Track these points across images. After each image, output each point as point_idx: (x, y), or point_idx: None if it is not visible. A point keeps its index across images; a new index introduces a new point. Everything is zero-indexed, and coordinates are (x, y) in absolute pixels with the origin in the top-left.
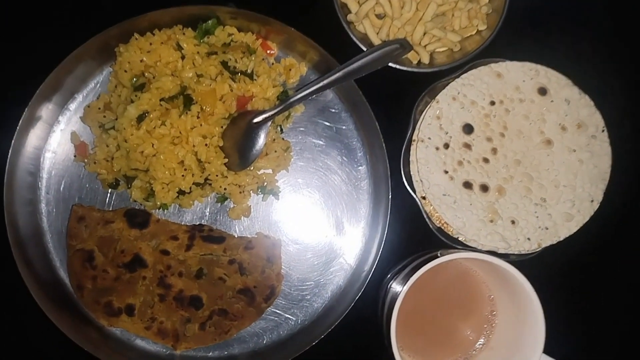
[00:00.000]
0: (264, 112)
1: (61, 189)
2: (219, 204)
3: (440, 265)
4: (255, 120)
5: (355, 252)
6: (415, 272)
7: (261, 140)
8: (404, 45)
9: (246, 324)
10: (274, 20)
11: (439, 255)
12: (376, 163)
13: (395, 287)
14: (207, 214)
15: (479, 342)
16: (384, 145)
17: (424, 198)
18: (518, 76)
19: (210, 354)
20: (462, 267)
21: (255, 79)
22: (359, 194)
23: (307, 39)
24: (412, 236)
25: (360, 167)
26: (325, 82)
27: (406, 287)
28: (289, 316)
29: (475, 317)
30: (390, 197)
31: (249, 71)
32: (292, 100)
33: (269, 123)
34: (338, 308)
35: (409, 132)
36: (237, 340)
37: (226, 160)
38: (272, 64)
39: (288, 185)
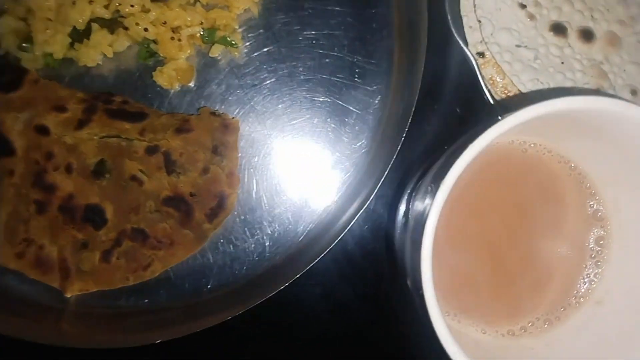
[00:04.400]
0: None
1: None
2: (147, 63)
3: (504, 152)
4: None
5: (358, 147)
6: (456, 161)
7: None
8: None
9: (179, 255)
10: None
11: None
12: None
13: (421, 199)
14: (133, 81)
15: (574, 292)
16: None
17: (481, 55)
18: None
19: (123, 302)
20: (545, 159)
21: None
22: (370, 48)
23: None
24: (455, 120)
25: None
26: None
27: (442, 192)
28: (248, 245)
29: (567, 247)
30: (424, 50)
31: None
32: None
33: None
34: (325, 236)
35: None
36: (164, 281)
37: None
38: None
39: (254, 36)
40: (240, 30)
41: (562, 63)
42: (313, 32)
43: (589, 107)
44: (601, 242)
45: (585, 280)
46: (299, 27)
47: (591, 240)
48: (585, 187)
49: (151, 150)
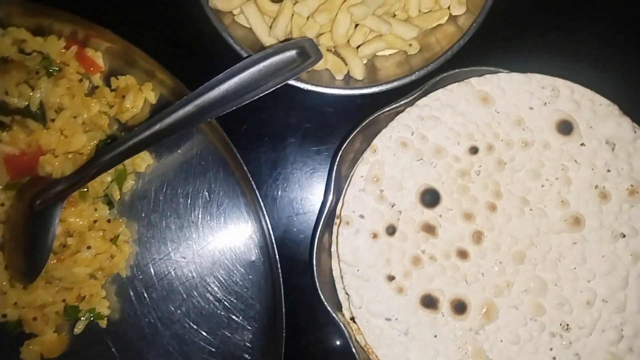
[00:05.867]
0: (55, 183)
1: None
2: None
3: None
4: (40, 200)
5: None
6: None
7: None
8: (308, 50)
9: None
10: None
11: None
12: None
13: None
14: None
15: None
16: (269, 229)
17: (352, 320)
18: (521, 100)
19: None
20: None
21: (52, 120)
22: (234, 321)
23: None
24: None
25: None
26: (153, 129)
27: None
28: None
29: None
30: (283, 325)
31: (33, 108)
32: (96, 165)
33: (61, 204)
34: None
35: (328, 205)
36: None
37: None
38: (96, 88)
39: (123, 298)
40: (108, 290)
41: (435, 336)
42: (186, 281)
43: None
44: None
45: None
46: (174, 277)
47: None
48: None
49: None
